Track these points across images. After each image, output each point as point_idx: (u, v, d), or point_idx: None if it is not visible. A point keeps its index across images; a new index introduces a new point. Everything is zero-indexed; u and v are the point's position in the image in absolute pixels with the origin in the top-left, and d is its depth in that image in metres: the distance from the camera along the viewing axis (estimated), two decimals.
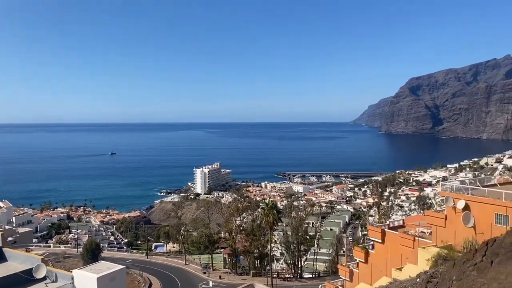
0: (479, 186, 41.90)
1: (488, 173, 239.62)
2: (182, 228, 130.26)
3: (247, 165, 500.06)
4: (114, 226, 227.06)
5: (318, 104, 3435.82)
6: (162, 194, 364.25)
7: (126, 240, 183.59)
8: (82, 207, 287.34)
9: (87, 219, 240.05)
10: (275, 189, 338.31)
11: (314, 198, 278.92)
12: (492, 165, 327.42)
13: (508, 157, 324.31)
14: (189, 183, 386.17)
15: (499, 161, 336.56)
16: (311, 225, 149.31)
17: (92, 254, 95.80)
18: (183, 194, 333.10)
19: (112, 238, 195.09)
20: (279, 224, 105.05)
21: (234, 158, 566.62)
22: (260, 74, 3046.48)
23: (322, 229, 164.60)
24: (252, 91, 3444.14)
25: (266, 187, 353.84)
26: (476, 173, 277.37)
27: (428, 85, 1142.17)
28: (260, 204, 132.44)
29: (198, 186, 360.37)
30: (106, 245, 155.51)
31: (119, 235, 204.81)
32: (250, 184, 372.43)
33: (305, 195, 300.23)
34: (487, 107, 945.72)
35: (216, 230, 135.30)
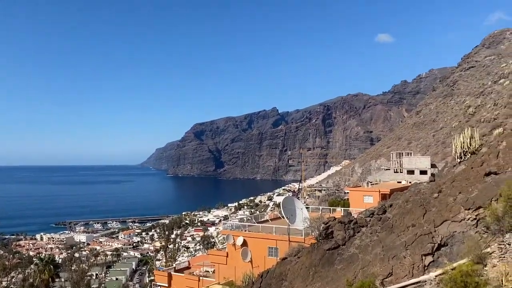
0: (254, 223, 46.50)
1: (262, 210, 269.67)
2: None
3: (18, 216, 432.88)
4: None
5: (103, 146, 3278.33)
6: None
7: None
8: None
9: None
10: (53, 240, 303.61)
11: (98, 247, 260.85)
12: (265, 202, 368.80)
13: (277, 195, 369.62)
14: None
15: (270, 198, 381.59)
16: (94, 277, 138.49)
17: None
18: None
19: None
20: (57, 280, 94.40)
21: (1, 208, 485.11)
22: (31, 110, 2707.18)
23: (107, 280, 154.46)
24: (27, 130, 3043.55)
25: (42, 239, 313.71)
26: (253, 210, 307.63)
27: (211, 131, 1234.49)
28: (34, 259, 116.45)
29: None
30: None
31: None
32: (22, 237, 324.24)
33: (88, 244, 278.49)
34: (260, 151, 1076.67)
35: None
